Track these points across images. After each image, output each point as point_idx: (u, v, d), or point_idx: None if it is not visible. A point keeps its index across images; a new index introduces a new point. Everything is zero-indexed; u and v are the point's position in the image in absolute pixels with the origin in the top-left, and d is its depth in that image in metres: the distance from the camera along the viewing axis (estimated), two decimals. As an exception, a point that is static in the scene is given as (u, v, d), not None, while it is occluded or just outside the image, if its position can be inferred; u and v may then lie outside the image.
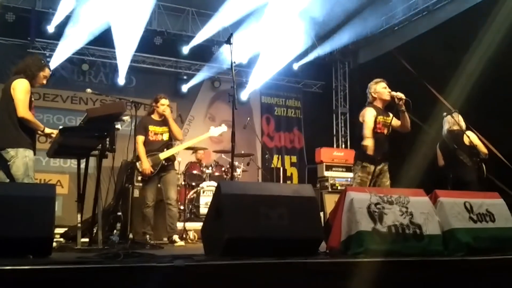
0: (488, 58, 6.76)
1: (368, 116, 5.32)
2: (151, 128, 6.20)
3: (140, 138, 6.05)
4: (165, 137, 6.25)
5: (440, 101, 6.40)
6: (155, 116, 6.31)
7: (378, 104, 5.43)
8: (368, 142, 5.14)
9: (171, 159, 6.25)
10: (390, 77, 5.55)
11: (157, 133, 6.22)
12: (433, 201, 4.26)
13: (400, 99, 5.25)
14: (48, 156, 5.11)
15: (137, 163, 5.98)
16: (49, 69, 4.99)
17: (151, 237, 6.03)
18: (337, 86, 11.94)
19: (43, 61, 4.99)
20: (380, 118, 5.36)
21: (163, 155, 6.13)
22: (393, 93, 5.34)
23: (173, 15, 9.82)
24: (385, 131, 5.35)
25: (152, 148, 6.14)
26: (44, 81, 4.95)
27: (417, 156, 6.37)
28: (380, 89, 5.43)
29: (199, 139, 6.80)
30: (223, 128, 6.82)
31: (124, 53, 9.23)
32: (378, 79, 5.53)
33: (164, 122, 6.29)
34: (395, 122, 5.42)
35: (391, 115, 5.39)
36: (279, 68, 10.60)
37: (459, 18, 8.18)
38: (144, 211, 6.02)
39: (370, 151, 5.11)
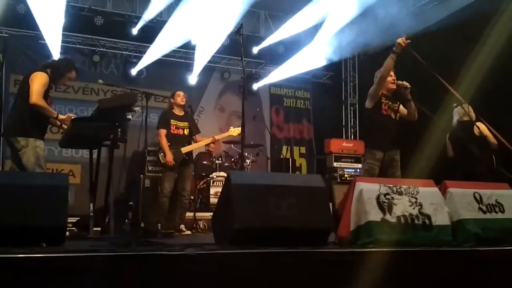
0: (500, 48, 6.71)
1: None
2: (173, 121, 6.36)
3: (163, 132, 6.24)
4: (186, 131, 6.39)
5: (450, 92, 6.34)
6: (176, 111, 6.48)
7: (384, 91, 5.41)
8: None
9: (190, 153, 6.38)
10: (400, 67, 5.53)
11: (179, 127, 6.38)
12: (442, 191, 4.26)
13: (406, 87, 5.25)
14: (61, 146, 5.19)
15: (160, 155, 6.15)
16: (76, 72, 5.12)
17: (163, 226, 6.10)
18: (346, 77, 11.88)
19: (73, 64, 5.16)
20: (386, 101, 5.34)
21: (185, 149, 6.26)
22: (399, 81, 5.34)
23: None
24: (392, 115, 5.33)
25: (175, 141, 6.26)
26: (68, 83, 5.14)
27: (427, 147, 6.36)
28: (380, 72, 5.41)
29: (219, 137, 6.94)
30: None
31: (159, 48, 9.28)
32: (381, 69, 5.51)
33: (185, 117, 6.42)
34: (403, 110, 5.41)
35: (398, 103, 5.38)
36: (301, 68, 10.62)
37: (471, 8, 8.10)
38: (160, 201, 6.11)
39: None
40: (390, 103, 5.35)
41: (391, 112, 5.34)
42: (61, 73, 4.95)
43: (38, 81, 4.69)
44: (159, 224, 6.09)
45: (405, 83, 5.29)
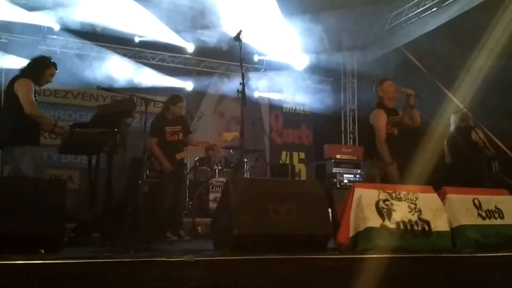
0: (497, 54, 6.73)
1: (380, 122, 5.19)
2: (168, 128, 6.22)
3: (154, 140, 6.13)
4: (180, 136, 6.30)
5: (448, 98, 6.39)
6: (169, 115, 6.32)
7: (387, 103, 5.32)
8: (383, 148, 5.07)
9: (182, 158, 6.33)
10: (399, 74, 5.55)
11: (174, 132, 6.26)
12: (441, 197, 4.27)
13: (410, 95, 5.22)
14: (60, 152, 5.15)
15: (154, 163, 6.07)
16: (55, 67, 5.03)
17: (167, 233, 6.09)
18: (345, 83, 11.91)
19: (48, 60, 5.04)
20: (391, 118, 5.26)
21: (180, 155, 6.20)
22: (402, 88, 5.31)
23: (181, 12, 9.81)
24: (395, 131, 5.27)
25: (171, 148, 6.18)
26: (50, 79, 5.00)
27: (426, 153, 6.36)
28: (386, 87, 5.32)
29: (214, 142, 6.87)
30: (236, 133, 6.84)
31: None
32: (383, 78, 5.46)
33: (178, 120, 6.34)
34: (406, 119, 5.37)
35: (400, 112, 5.35)
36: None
37: (468, 15, 8.14)
38: (163, 207, 6.07)
39: (385, 156, 5.02)
40: (393, 118, 5.27)
41: (394, 129, 5.26)
42: (40, 73, 4.86)
43: (25, 89, 4.62)
44: (170, 230, 6.06)
45: (408, 90, 5.24)
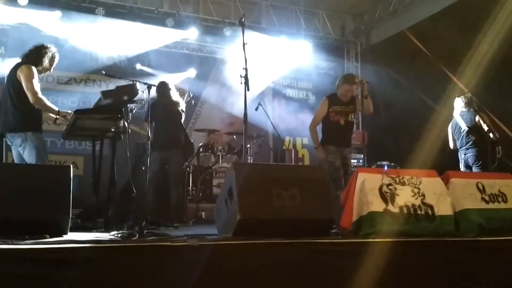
0: (502, 37, 6.67)
1: (318, 109, 5.83)
2: None
3: None
4: None
5: (453, 82, 6.34)
6: None
7: (339, 96, 5.70)
8: (311, 132, 5.72)
9: None
10: (403, 57, 5.53)
11: None
12: (445, 182, 4.26)
13: (363, 83, 5.48)
14: (64, 138, 5.16)
15: None
16: (57, 54, 5.03)
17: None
18: (349, 67, 11.84)
19: (50, 47, 5.00)
20: (336, 107, 5.62)
21: None
22: (357, 80, 5.62)
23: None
24: (341, 121, 5.62)
25: None
26: (51, 67, 5.01)
27: (430, 137, 6.35)
28: (341, 90, 5.67)
29: None
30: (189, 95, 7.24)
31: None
32: (342, 81, 5.73)
33: None
34: (359, 107, 5.60)
35: (353, 105, 5.65)
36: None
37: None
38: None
39: (313, 139, 5.62)
40: (339, 107, 5.63)
41: (340, 117, 5.60)
42: (41, 60, 4.85)
43: (29, 77, 4.61)
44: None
45: (363, 79, 5.50)
